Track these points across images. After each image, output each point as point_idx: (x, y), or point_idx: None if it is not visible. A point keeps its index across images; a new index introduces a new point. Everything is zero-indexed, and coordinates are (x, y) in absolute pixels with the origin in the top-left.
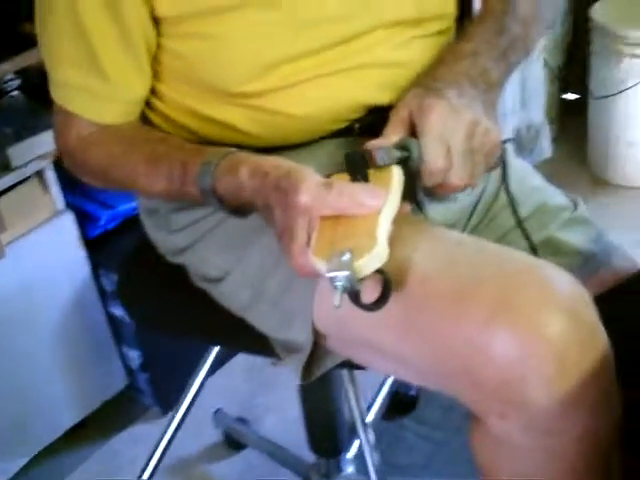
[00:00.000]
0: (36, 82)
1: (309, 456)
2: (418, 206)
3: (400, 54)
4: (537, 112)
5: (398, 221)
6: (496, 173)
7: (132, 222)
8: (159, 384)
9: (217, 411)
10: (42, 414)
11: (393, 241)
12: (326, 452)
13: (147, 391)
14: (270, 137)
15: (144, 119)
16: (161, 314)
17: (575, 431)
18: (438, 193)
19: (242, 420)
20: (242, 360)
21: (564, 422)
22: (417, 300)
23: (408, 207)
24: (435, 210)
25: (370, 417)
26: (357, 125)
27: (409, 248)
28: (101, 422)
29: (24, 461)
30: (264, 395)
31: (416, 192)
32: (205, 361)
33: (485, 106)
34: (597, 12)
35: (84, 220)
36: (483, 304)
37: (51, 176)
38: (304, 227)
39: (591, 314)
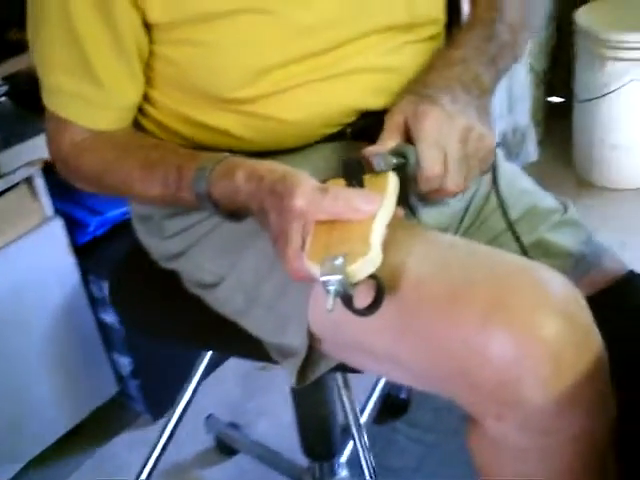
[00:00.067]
0: (24, 89)
1: (302, 460)
2: (411, 211)
3: (392, 59)
4: (523, 116)
5: (392, 226)
6: (486, 176)
7: (121, 228)
8: (150, 390)
9: (209, 417)
10: (32, 422)
11: (387, 245)
12: (319, 456)
13: (138, 398)
14: (263, 142)
15: (137, 126)
16: (154, 320)
17: (571, 431)
18: (432, 198)
19: (234, 425)
20: (233, 365)
21: (560, 422)
22: (412, 303)
23: (402, 212)
24: (428, 214)
25: (362, 420)
26: (349, 129)
27: (403, 252)
28: (92, 429)
29: (15, 470)
30: (256, 399)
31: (409, 197)
32: (198, 366)
33: (479, 111)
34: (581, 16)
35: (73, 226)
36: (478, 306)
37: (40, 183)
38: (299, 231)
39: (585, 316)
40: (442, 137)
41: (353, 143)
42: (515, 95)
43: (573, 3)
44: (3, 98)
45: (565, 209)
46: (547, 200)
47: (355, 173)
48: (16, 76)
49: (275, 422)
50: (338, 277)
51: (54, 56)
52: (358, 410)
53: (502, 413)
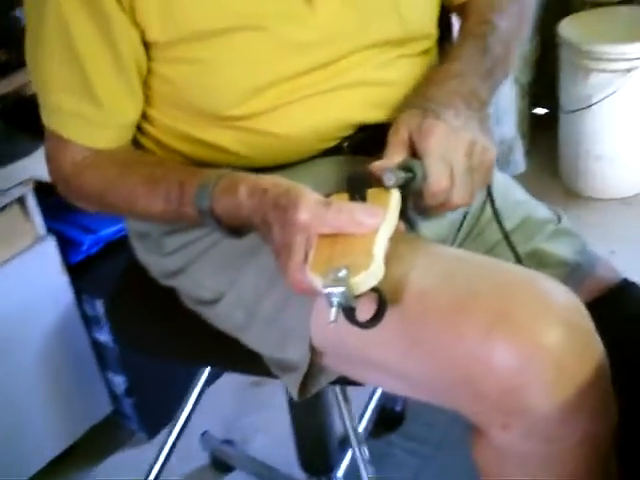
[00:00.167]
0: (14, 109)
1: (300, 475)
2: (410, 224)
3: (387, 73)
4: (509, 128)
5: (394, 239)
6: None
7: (115, 246)
8: (144, 409)
9: (204, 433)
10: (26, 443)
11: (390, 259)
12: (317, 470)
13: (133, 416)
14: (260, 158)
15: (136, 144)
16: (153, 338)
17: (575, 437)
18: (436, 212)
19: (229, 442)
20: (229, 380)
21: (564, 428)
22: (416, 315)
23: (403, 226)
24: (427, 227)
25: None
26: (346, 144)
27: (406, 265)
28: (87, 449)
29: None
30: (251, 415)
31: (407, 211)
32: (196, 383)
33: (480, 125)
34: (564, 28)
35: (66, 245)
36: (482, 316)
37: (32, 202)
38: (302, 244)
39: (587, 324)
40: (448, 151)
41: (351, 157)
42: (501, 108)
43: (557, 15)
44: None
45: (559, 219)
46: (541, 210)
47: (359, 187)
48: (6, 97)
49: (271, 437)
50: (341, 289)
51: (54, 75)
52: (357, 422)
53: (507, 422)
